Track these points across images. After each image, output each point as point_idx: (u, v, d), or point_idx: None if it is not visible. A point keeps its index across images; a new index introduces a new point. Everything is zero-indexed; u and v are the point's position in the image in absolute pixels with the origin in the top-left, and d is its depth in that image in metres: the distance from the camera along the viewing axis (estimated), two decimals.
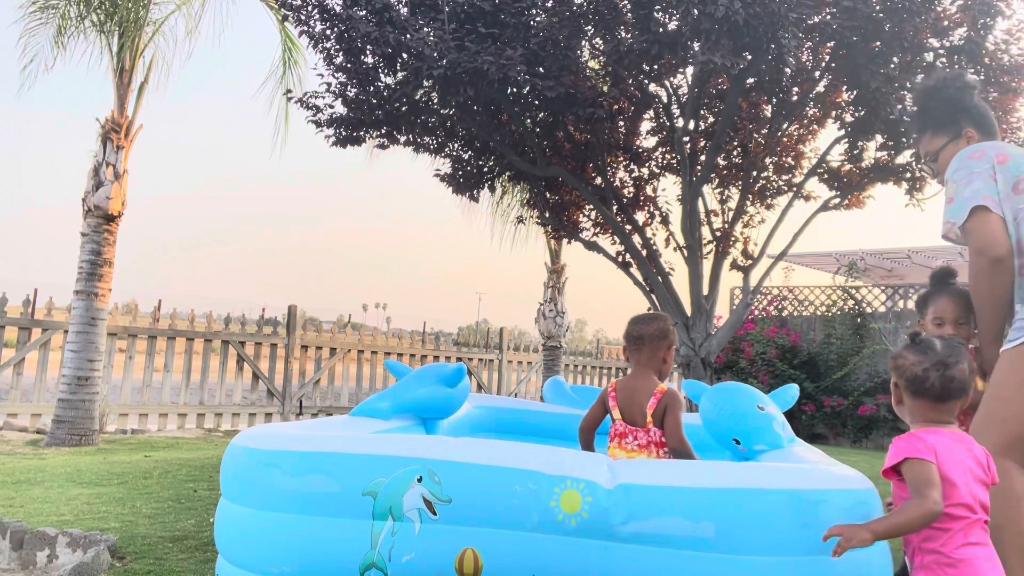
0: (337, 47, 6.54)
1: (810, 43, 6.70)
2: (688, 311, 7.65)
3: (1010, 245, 2.25)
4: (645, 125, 8.33)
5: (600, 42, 6.91)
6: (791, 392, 3.50)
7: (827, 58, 6.82)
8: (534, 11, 6.22)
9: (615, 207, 8.03)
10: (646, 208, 8.38)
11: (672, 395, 2.64)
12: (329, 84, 6.85)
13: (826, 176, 7.99)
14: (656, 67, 6.73)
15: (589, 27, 6.49)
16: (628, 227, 7.97)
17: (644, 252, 7.88)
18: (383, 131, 7.15)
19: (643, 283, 8.01)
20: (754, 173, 8.06)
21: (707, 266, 7.85)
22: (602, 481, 2.08)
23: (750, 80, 6.87)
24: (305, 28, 6.67)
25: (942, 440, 1.78)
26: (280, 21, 7.53)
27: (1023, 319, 2.24)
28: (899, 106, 6.49)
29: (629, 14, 6.36)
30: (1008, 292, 2.28)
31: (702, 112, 7.72)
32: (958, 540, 1.73)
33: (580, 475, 2.09)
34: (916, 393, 1.84)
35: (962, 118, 2.56)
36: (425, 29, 5.96)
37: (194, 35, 8.12)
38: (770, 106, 7.69)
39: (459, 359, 11.49)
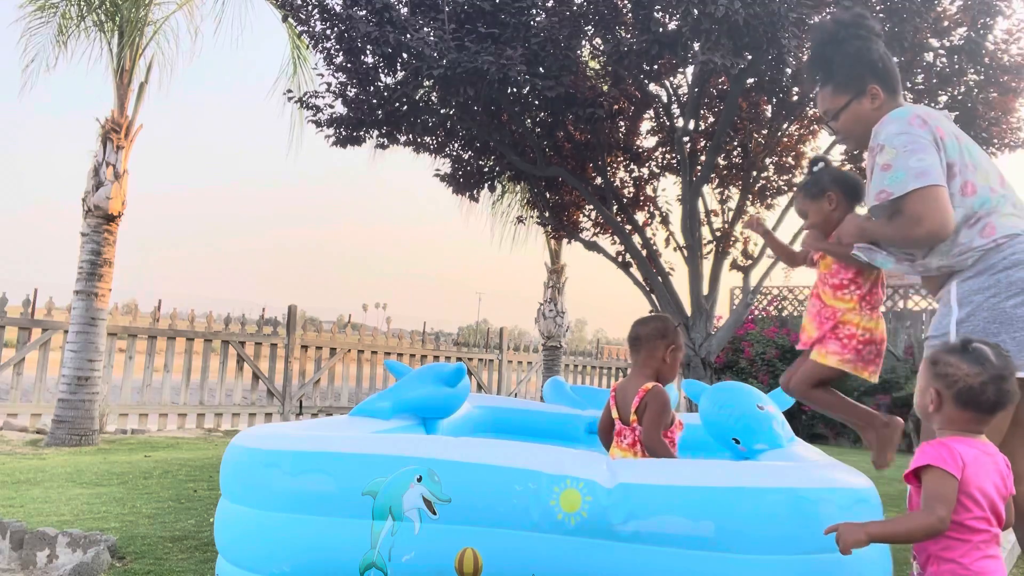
0: (337, 47, 6.55)
1: (810, 43, 6.69)
2: (688, 311, 7.66)
3: (945, 221, 2.06)
4: (645, 125, 8.34)
5: (600, 42, 6.92)
6: None
7: None
8: (534, 11, 6.22)
9: (615, 207, 8.03)
10: (646, 208, 8.38)
11: (654, 393, 2.63)
12: (329, 84, 6.86)
13: None
14: (656, 67, 6.73)
15: (589, 27, 6.50)
16: (628, 227, 7.97)
17: (644, 252, 7.88)
18: (383, 131, 7.15)
19: (643, 283, 8.01)
20: (754, 173, 8.06)
21: (707, 266, 7.85)
22: (602, 480, 2.08)
23: (750, 80, 6.87)
24: (305, 28, 6.67)
25: (973, 452, 1.73)
26: (282, 20, 7.51)
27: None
28: None
29: (629, 14, 6.36)
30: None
31: (702, 112, 7.72)
32: (977, 553, 1.70)
33: (580, 475, 2.09)
34: (967, 404, 1.75)
35: (867, 73, 2.29)
36: (425, 29, 5.96)
37: (198, 35, 8.13)
38: (770, 106, 7.69)
39: (459, 359, 11.49)
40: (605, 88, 7.23)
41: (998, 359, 1.75)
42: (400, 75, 6.47)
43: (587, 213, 8.64)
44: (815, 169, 2.59)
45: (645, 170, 8.38)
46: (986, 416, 1.77)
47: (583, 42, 6.93)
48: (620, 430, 2.67)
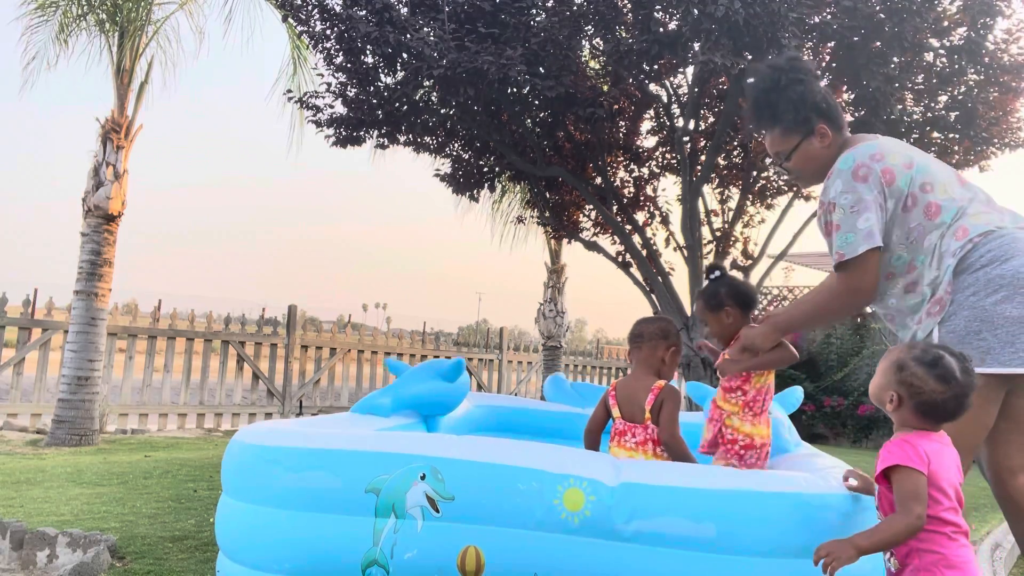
0: (337, 47, 6.55)
1: (810, 43, 6.70)
2: (688, 311, 7.66)
3: (876, 284, 2.24)
4: (645, 125, 8.34)
5: (600, 42, 6.91)
6: (796, 395, 3.49)
7: (827, 58, 6.82)
8: (534, 11, 6.22)
9: (615, 207, 8.03)
10: (646, 208, 8.39)
11: (670, 390, 2.62)
12: (329, 84, 6.86)
13: None
14: (656, 67, 6.73)
15: (589, 27, 6.50)
16: (628, 227, 7.97)
17: (644, 252, 7.89)
18: (383, 131, 7.15)
19: (643, 283, 8.01)
20: (754, 173, 8.06)
21: (707, 266, 7.86)
22: (606, 480, 2.08)
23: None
24: (305, 28, 6.67)
25: (934, 446, 1.77)
26: (281, 20, 7.51)
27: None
28: (899, 106, 6.50)
29: (629, 14, 6.37)
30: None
31: (702, 112, 7.73)
32: (955, 544, 1.74)
33: (583, 473, 2.09)
34: (926, 415, 1.79)
35: (813, 114, 2.36)
36: (425, 29, 5.96)
37: (199, 35, 8.13)
38: None
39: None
40: (605, 88, 7.23)
41: (963, 376, 1.78)
42: (400, 75, 6.47)
43: (587, 213, 8.64)
44: (712, 277, 2.69)
45: (645, 170, 8.38)
46: (940, 424, 1.83)
47: (583, 42, 6.93)
48: (625, 429, 2.63)
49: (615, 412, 2.69)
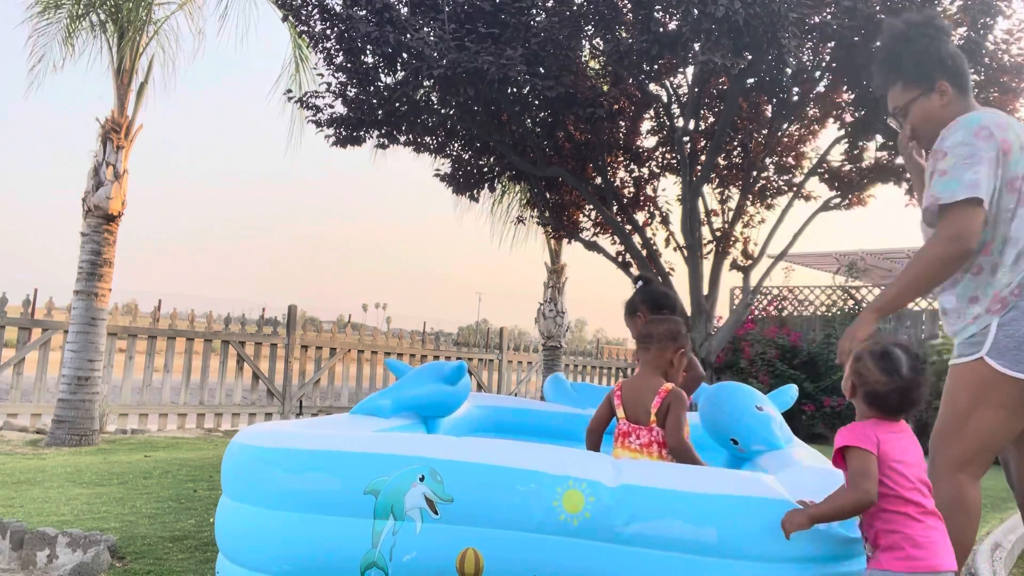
0: (337, 47, 6.55)
1: (810, 43, 6.70)
2: (688, 311, 7.66)
3: (976, 236, 2.13)
4: (645, 125, 8.35)
5: (600, 42, 6.92)
6: (790, 393, 3.50)
7: (827, 58, 6.83)
8: (534, 11, 6.22)
9: (615, 207, 8.03)
10: (646, 208, 8.39)
11: (676, 394, 2.59)
12: (329, 84, 6.85)
13: (826, 176, 8.00)
14: (656, 67, 6.73)
15: (589, 27, 6.50)
16: (628, 227, 7.97)
17: (644, 252, 7.89)
18: (383, 131, 7.15)
19: None
20: (754, 173, 8.06)
21: (707, 266, 7.86)
22: (605, 481, 2.07)
23: (750, 80, 6.87)
24: (305, 28, 6.67)
25: (886, 433, 1.85)
26: (281, 20, 7.50)
27: (973, 335, 2.18)
28: None
29: (629, 14, 6.37)
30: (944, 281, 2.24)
31: (702, 112, 7.73)
32: (919, 525, 1.79)
33: (583, 475, 2.08)
34: (872, 404, 1.88)
35: (936, 71, 2.33)
36: (425, 29, 5.96)
37: (200, 35, 8.12)
38: (770, 106, 7.69)
39: (459, 359, 11.49)
40: (605, 88, 7.24)
41: (909, 372, 1.86)
42: (400, 75, 6.47)
43: (587, 213, 8.64)
44: (637, 286, 2.89)
45: (645, 170, 8.39)
46: (891, 417, 1.89)
47: (583, 42, 6.93)
48: (630, 430, 2.61)
49: (620, 412, 2.66)
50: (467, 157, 8.07)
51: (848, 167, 7.84)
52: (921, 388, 1.87)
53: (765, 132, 7.83)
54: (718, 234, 8.17)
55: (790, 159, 8.24)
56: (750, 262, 8.18)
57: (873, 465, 1.80)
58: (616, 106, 7.38)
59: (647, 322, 2.82)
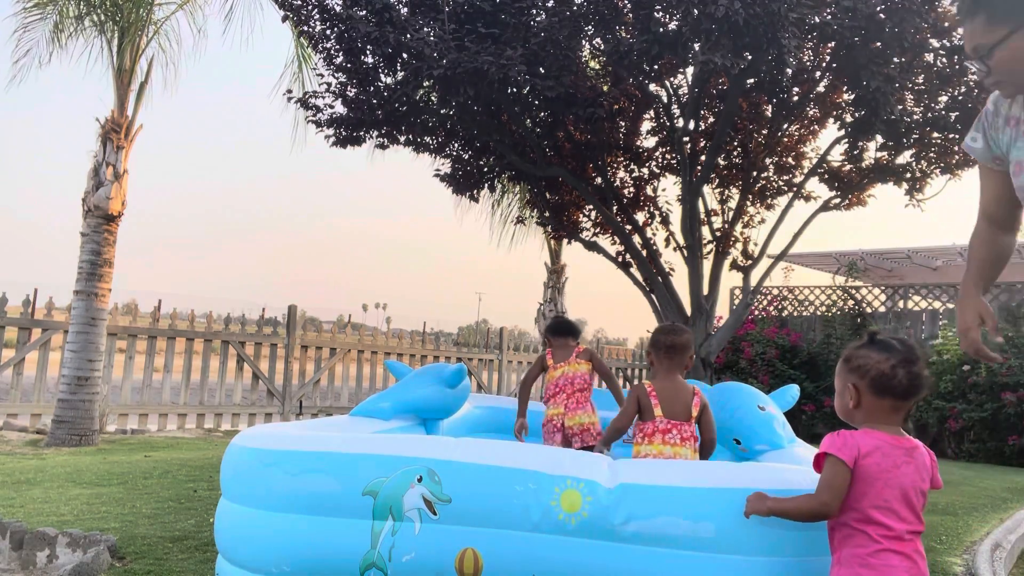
0: (337, 47, 6.54)
1: (810, 43, 6.70)
2: (688, 311, 7.66)
3: None
4: (645, 125, 8.34)
5: (600, 42, 6.91)
6: (791, 393, 3.50)
7: (827, 58, 6.82)
8: (534, 11, 6.22)
9: (615, 207, 8.03)
10: (646, 208, 8.38)
11: (707, 400, 2.92)
12: (329, 84, 6.85)
13: (826, 176, 7.99)
14: (656, 67, 6.73)
15: (589, 27, 6.49)
16: (628, 227, 7.97)
17: (644, 252, 7.89)
18: (383, 131, 7.15)
19: (643, 283, 8.01)
20: (754, 173, 8.06)
21: (707, 266, 7.85)
22: (602, 481, 2.08)
23: (750, 80, 6.87)
24: (305, 28, 6.67)
25: (875, 443, 1.76)
26: (282, 21, 7.49)
27: None
28: (899, 106, 6.49)
29: (629, 14, 6.36)
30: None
31: (702, 112, 7.73)
32: (875, 546, 1.72)
33: (580, 475, 2.09)
34: (881, 391, 1.79)
35: None
36: (425, 29, 5.96)
37: (200, 35, 8.12)
38: (770, 106, 7.69)
39: (459, 359, 11.49)
40: (605, 88, 7.23)
41: (902, 345, 1.82)
42: (400, 75, 6.47)
43: (587, 213, 8.64)
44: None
45: (645, 170, 8.38)
46: (902, 402, 1.81)
47: (583, 42, 6.93)
48: (670, 427, 2.80)
49: (657, 411, 2.84)
50: (467, 157, 8.07)
51: (848, 167, 7.84)
52: (921, 361, 1.81)
53: (765, 132, 7.82)
54: (718, 234, 8.16)
55: (790, 159, 8.24)
56: (750, 262, 8.18)
57: (841, 478, 1.75)
58: (616, 106, 7.37)
59: (665, 333, 3.05)
